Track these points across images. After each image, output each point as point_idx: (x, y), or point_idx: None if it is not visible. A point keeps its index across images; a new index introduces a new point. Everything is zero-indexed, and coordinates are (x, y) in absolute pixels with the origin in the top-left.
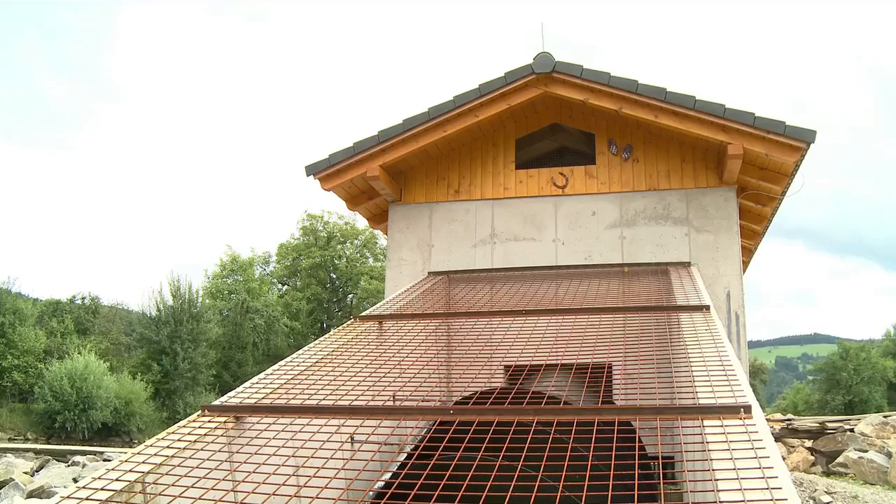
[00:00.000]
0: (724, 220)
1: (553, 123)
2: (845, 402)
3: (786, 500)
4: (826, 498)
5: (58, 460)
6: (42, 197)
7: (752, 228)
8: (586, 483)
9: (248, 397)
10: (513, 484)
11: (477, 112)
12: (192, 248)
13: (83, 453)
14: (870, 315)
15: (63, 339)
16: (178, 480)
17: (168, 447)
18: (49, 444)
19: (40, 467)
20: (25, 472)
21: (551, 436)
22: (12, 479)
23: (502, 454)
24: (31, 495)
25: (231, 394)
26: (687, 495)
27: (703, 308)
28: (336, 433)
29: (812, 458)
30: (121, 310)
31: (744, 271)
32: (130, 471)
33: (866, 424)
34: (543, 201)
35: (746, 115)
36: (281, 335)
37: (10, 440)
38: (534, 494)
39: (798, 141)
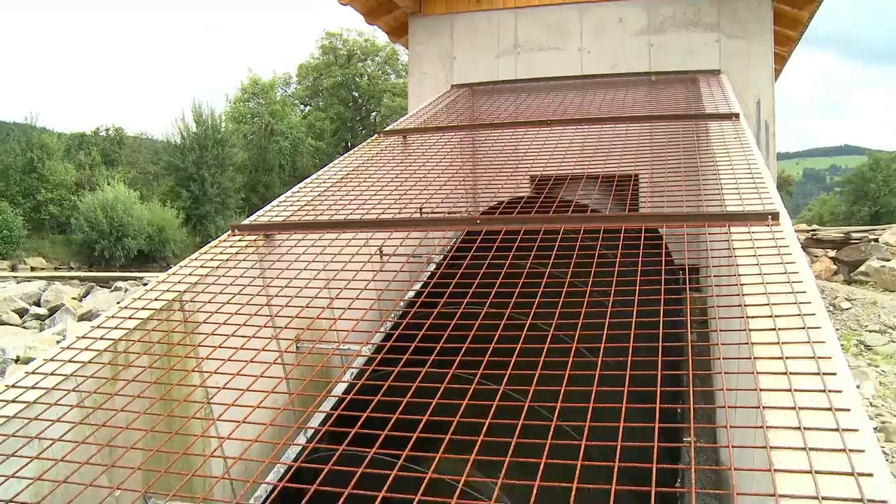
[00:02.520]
0: (757, 24)
1: None
2: (871, 213)
3: (809, 303)
4: (846, 304)
5: (101, 286)
6: (57, 29)
7: (786, 34)
8: (613, 288)
9: (276, 215)
10: (540, 290)
11: None
12: (211, 74)
13: (124, 279)
14: None
15: (91, 171)
16: (213, 297)
17: (202, 267)
18: (91, 271)
19: (86, 293)
20: (74, 298)
21: (578, 243)
22: (63, 305)
23: (529, 262)
24: (81, 319)
25: (259, 212)
26: (712, 300)
27: (732, 116)
28: (364, 246)
29: (834, 267)
30: (145, 139)
31: (775, 79)
32: (168, 290)
33: (891, 234)
34: (568, 9)
35: None
36: (306, 156)
37: (55, 269)
38: (561, 300)
39: None
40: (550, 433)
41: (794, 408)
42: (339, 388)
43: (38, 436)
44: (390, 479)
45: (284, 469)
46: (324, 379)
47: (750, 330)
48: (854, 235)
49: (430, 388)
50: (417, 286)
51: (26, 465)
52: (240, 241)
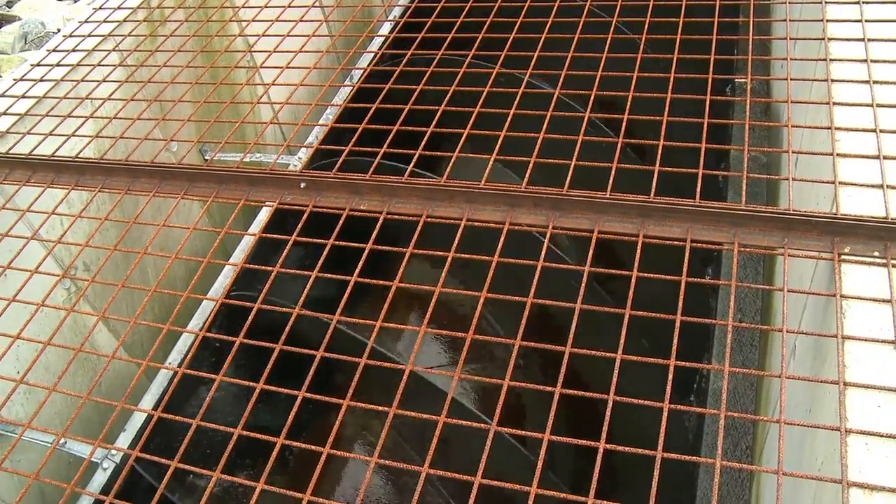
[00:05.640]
0: None
1: None
2: None
3: None
4: None
5: None
6: None
7: None
8: None
9: None
10: None
11: None
12: None
13: None
14: None
15: None
16: None
17: None
18: None
19: None
20: None
21: None
22: None
23: None
24: None
25: None
26: None
27: None
28: None
29: None
30: None
31: None
32: None
33: None
34: None
35: None
36: None
37: None
38: None
39: None
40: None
41: (862, 39)
42: (384, 28)
43: (89, 96)
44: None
45: (333, 111)
46: (365, 19)
47: None
48: None
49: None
50: None
51: (83, 123)
52: None
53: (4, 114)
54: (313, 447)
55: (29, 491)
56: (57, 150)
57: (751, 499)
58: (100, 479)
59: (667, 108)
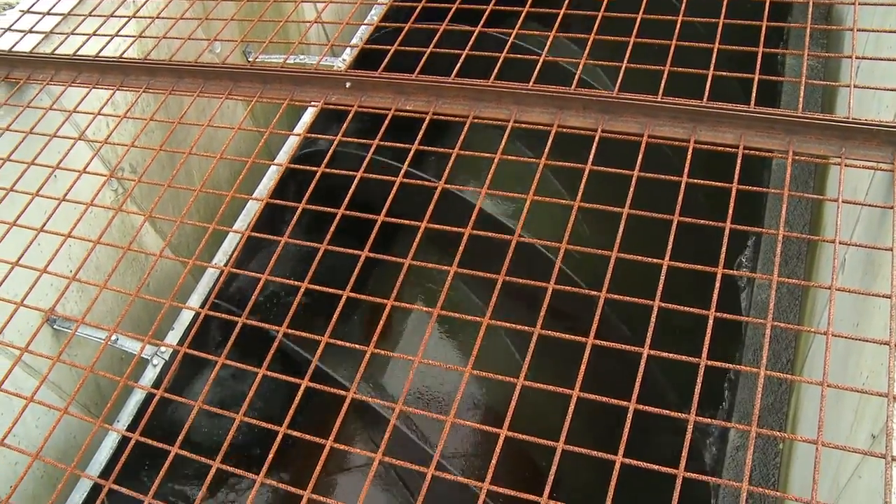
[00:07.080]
0: None
1: None
2: None
3: None
4: None
5: None
6: None
7: None
8: None
9: None
10: None
11: None
12: None
13: None
14: None
15: None
16: None
17: None
18: None
19: None
20: None
21: None
22: None
23: None
24: None
25: None
26: None
27: None
28: None
29: None
30: None
31: None
32: None
33: None
34: None
35: None
36: None
37: None
38: None
39: None
40: None
41: None
42: None
43: None
44: None
45: (378, 10)
46: None
47: None
48: None
49: None
50: None
51: (126, 23)
52: None
53: (48, 14)
54: (358, 346)
55: (86, 384)
56: (101, 50)
57: (789, 412)
58: (150, 374)
59: (723, 11)
